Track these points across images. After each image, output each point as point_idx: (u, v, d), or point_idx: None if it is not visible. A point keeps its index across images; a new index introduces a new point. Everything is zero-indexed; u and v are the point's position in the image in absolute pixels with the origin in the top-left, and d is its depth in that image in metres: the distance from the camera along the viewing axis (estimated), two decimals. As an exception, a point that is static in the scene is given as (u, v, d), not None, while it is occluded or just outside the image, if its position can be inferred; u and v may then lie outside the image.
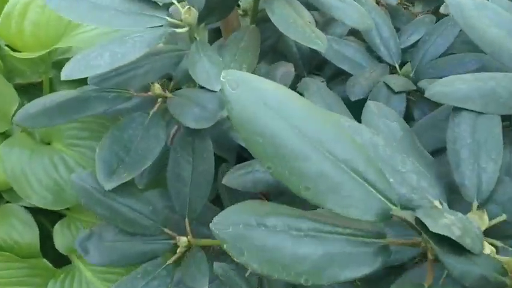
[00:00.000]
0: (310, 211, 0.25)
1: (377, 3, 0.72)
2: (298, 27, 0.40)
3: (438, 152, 0.39)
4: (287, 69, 0.64)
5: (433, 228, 0.20)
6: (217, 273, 0.37)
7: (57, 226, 0.68)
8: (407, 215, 0.22)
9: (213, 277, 0.40)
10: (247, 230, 0.24)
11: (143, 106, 0.45)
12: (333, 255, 0.24)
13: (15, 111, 0.64)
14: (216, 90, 0.40)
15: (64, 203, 0.59)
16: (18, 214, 0.67)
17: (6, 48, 0.67)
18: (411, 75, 0.58)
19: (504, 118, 0.34)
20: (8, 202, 0.68)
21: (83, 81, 0.43)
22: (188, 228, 0.42)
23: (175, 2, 0.44)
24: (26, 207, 0.67)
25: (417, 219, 0.21)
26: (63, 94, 0.43)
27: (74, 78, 0.37)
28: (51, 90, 0.70)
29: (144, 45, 0.39)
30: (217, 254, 0.48)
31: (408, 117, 0.52)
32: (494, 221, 0.28)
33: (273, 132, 0.23)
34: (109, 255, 0.42)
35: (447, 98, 0.32)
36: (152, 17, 0.43)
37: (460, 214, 0.23)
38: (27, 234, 0.67)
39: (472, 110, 0.32)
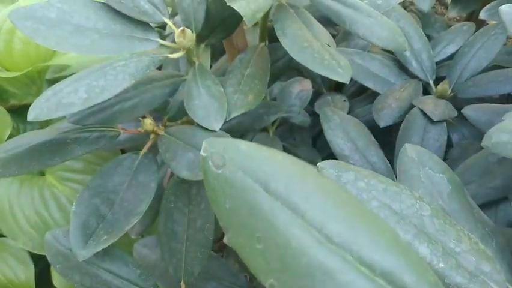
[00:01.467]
0: None
1: (405, 8, 0.65)
2: (314, 53, 0.32)
3: (489, 205, 0.31)
4: (304, 86, 0.57)
5: None
6: None
7: (54, 262, 0.63)
8: None
9: None
10: None
11: (133, 144, 0.38)
12: None
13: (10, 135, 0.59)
14: (215, 130, 0.33)
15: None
16: (13, 250, 0.62)
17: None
18: (448, 93, 0.50)
19: None
20: (2, 236, 0.64)
21: None
22: (185, 293, 0.35)
23: (168, 22, 0.38)
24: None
25: None
26: (39, 135, 0.36)
27: (44, 119, 0.30)
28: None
29: (128, 76, 0.33)
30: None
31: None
32: None
33: (281, 234, 0.16)
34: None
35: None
36: (142, 41, 0.37)
37: None
38: (22, 272, 0.62)
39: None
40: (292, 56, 0.33)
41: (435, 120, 0.40)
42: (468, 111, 0.38)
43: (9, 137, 0.60)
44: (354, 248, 0.16)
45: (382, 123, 0.44)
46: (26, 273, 0.61)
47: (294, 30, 0.34)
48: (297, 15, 0.36)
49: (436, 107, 0.41)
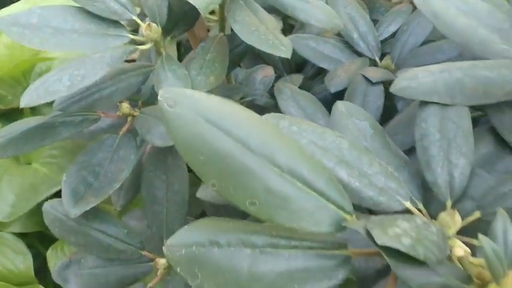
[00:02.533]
0: (267, 224, 0.24)
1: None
2: (261, 35, 0.39)
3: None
4: (267, 72, 0.63)
5: (379, 239, 0.18)
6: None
7: (50, 251, 0.68)
8: (359, 226, 0.20)
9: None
10: (200, 250, 0.22)
11: (113, 127, 0.44)
12: (291, 272, 0.22)
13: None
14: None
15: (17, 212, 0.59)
16: (8, 242, 0.67)
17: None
18: (392, 66, 0.57)
19: (476, 108, 0.32)
20: (-1, 231, 0.69)
21: None
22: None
23: (136, 19, 0.44)
24: (16, 234, 0.67)
25: (368, 230, 0.19)
26: (30, 121, 0.42)
27: (34, 105, 0.36)
28: (34, 113, 0.70)
29: (104, 66, 0.38)
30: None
31: (393, 110, 0.50)
32: (467, 220, 0.26)
33: (215, 148, 0.22)
34: (89, 283, 0.41)
35: (412, 93, 0.31)
36: (114, 37, 0.43)
37: (418, 219, 0.21)
38: (21, 262, 0.67)
39: (438, 103, 0.30)
40: (242, 39, 0.39)
41: (374, 81, 0.46)
42: (400, 73, 0.45)
43: None
44: (270, 156, 0.22)
45: (332, 90, 0.51)
46: (25, 263, 0.67)
47: (243, 17, 0.41)
48: (246, 5, 0.42)
49: (376, 73, 0.48)
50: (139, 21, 0.43)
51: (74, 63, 0.39)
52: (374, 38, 0.59)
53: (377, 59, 0.58)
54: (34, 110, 0.71)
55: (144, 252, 0.41)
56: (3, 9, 0.62)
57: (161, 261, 0.40)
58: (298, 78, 0.59)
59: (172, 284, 0.39)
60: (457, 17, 0.35)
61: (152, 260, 0.41)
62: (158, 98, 0.23)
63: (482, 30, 0.34)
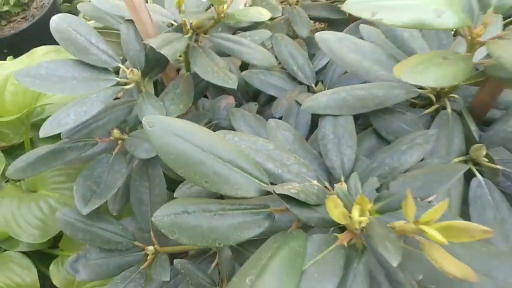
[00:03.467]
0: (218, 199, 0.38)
1: (296, 36, 0.87)
2: (214, 73, 0.53)
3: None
4: (229, 100, 0.78)
5: (277, 190, 0.32)
6: (177, 268, 0.49)
7: (52, 266, 0.79)
8: (270, 188, 0.34)
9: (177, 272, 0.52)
10: (176, 217, 0.36)
11: (108, 149, 0.57)
12: (235, 225, 0.36)
13: (4, 170, 0.76)
14: (159, 128, 0.52)
15: (48, 234, 0.70)
16: (16, 260, 0.78)
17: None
18: (324, 90, 0.72)
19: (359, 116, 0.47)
20: (5, 250, 0.79)
21: (57, 137, 0.56)
22: (153, 239, 0.54)
23: (121, 66, 0.58)
24: (23, 252, 0.78)
25: (274, 190, 0.33)
26: (43, 149, 0.55)
27: (50, 135, 0.49)
28: (32, 148, 0.82)
29: (100, 103, 0.52)
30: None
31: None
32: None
33: (180, 150, 0.35)
34: (94, 271, 0.53)
35: (314, 109, 0.46)
36: (105, 80, 0.56)
37: (308, 183, 0.36)
38: (27, 276, 0.78)
39: (332, 115, 0.45)
40: (201, 76, 0.54)
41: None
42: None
43: (3, 173, 0.77)
44: (215, 153, 0.36)
45: (277, 115, 0.65)
46: (30, 276, 0.77)
47: (201, 61, 0.55)
48: (203, 52, 0.57)
49: (305, 97, 0.63)
50: (124, 68, 0.57)
51: (77, 102, 0.52)
52: (310, 69, 0.74)
53: (313, 85, 0.73)
54: (33, 145, 0.84)
55: (136, 243, 0.53)
56: (9, 63, 0.75)
57: (150, 248, 0.53)
58: (254, 105, 0.74)
59: (157, 263, 0.52)
60: (347, 53, 0.50)
61: (142, 248, 0.54)
62: (143, 122, 0.36)
63: (366, 62, 0.50)
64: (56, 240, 0.82)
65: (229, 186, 0.35)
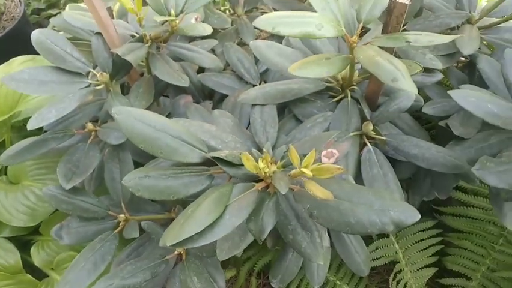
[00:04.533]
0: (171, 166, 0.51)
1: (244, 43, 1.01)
2: (170, 75, 0.66)
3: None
4: (187, 99, 0.90)
5: (212, 155, 0.46)
6: (144, 228, 0.62)
7: (33, 249, 0.89)
8: (209, 155, 0.48)
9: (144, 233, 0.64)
10: (140, 179, 0.48)
11: (83, 139, 0.69)
12: (184, 183, 0.49)
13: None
14: (126, 120, 0.65)
15: (37, 219, 0.80)
16: (1, 245, 0.88)
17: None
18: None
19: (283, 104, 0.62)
20: (-10, 238, 0.89)
21: (35, 134, 0.67)
22: (124, 209, 0.66)
23: (92, 70, 0.70)
24: (7, 238, 0.88)
25: (214, 157, 0.47)
26: (28, 140, 0.66)
27: (36, 127, 0.61)
28: (12, 143, 0.92)
29: (76, 101, 0.64)
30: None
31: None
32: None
33: (140, 130, 0.48)
34: (75, 237, 0.65)
35: (246, 100, 0.60)
36: (79, 83, 0.68)
37: (235, 152, 0.49)
38: (11, 258, 0.88)
39: (260, 104, 0.59)
40: (160, 78, 0.67)
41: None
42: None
43: None
44: (167, 131, 0.49)
45: (227, 110, 0.79)
46: (14, 258, 0.88)
47: (159, 65, 0.68)
48: (161, 57, 0.70)
49: (249, 92, 0.76)
50: (95, 72, 0.69)
51: (57, 101, 0.64)
52: (255, 71, 0.88)
53: (258, 84, 0.87)
54: (11, 143, 0.94)
55: (110, 212, 0.66)
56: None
57: (121, 216, 0.65)
58: (209, 103, 0.87)
59: (127, 230, 0.64)
60: (274, 57, 0.65)
61: (115, 217, 0.66)
62: (112, 112, 0.49)
63: (288, 63, 0.64)
64: (35, 229, 0.92)
65: (178, 155, 0.49)
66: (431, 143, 0.60)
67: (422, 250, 0.89)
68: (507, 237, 0.86)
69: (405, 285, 0.88)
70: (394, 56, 0.66)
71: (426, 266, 0.89)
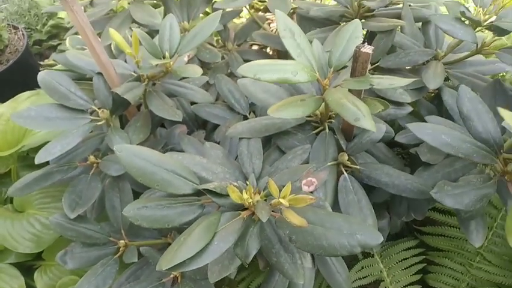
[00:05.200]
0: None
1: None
2: (164, 110, 0.73)
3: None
4: (182, 129, 0.97)
5: (202, 187, 0.52)
6: (143, 253, 0.67)
7: (36, 273, 0.94)
8: (200, 187, 0.54)
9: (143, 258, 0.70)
10: (139, 210, 0.54)
11: (86, 170, 0.75)
12: (178, 213, 0.55)
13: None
14: (125, 153, 0.71)
15: (42, 246, 0.85)
16: (5, 270, 0.93)
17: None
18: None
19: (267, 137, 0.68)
20: (-4, 262, 0.94)
21: (39, 167, 0.73)
22: (124, 235, 0.72)
23: (94, 107, 0.76)
24: (12, 264, 0.93)
25: (204, 189, 0.53)
26: (35, 173, 0.72)
27: (43, 161, 0.67)
28: (18, 176, 0.98)
29: (79, 136, 0.70)
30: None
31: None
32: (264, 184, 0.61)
33: (138, 165, 0.54)
34: (79, 261, 0.70)
35: (234, 134, 0.66)
36: (82, 119, 0.74)
37: (223, 183, 0.55)
38: (15, 283, 0.92)
39: (247, 138, 0.65)
40: (155, 113, 0.73)
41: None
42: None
43: None
44: (162, 166, 0.55)
45: (218, 140, 0.85)
46: (18, 283, 0.92)
47: (155, 102, 0.75)
48: (157, 94, 0.77)
49: (236, 126, 0.83)
50: (96, 109, 0.76)
51: (62, 136, 0.70)
52: (245, 102, 0.94)
53: (247, 115, 0.94)
54: (17, 175, 1.00)
55: (111, 238, 0.71)
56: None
57: (121, 242, 0.71)
58: (202, 132, 0.94)
59: (127, 254, 0.70)
60: (260, 93, 0.72)
61: (116, 243, 0.71)
62: (114, 149, 0.55)
63: (272, 99, 0.71)
64: (38, 254, 0.97)
65: (173, 187, 0.55)
66: (403, 170, 0.66)
67: (405, 268, 0.94)
68: (483, 254, 0.91)
69: (391, 303, 0.93)
70: (370, 91, 0.73)
71: (410, 284, 0.94)
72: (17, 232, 0.85)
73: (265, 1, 1.43)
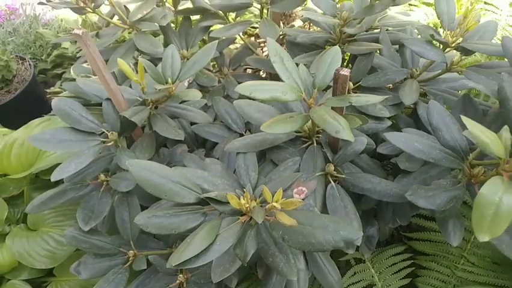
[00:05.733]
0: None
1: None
2: (168, 130, 0.80)
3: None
4: (183, 148, 1.04)
5: (205, 195, 0.59)
6: (151, 261, 0.73)
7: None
8: (203, 196, 0.61)
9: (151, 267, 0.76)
10: (149, 218, 0.61)
11: (96, 188, 0.82)
12: (183, 220, 0.61)
13: (6, 216, 0.98)
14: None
15: (57, 261, 0.91)
16: (20, 287, 0.98)
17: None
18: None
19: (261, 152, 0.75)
20: (9, 280, 0.99)
21: (50, 187, 0.80)
22: (133, 246, 0.78)
23: (104, 130, 0.84)
24: (25, 280, 0.98)
25: (207, 197, 0.60)
26: (50, 191, 0.79)
27: (59, 179, 0.74)
28: (30, 198, 1.04)
29: (90, 156, 0.77)
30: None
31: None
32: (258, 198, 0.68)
33: (148, 178, 0.61)
34: (91, 271, 0.76)
35: (231, 149, 0.73)
36: (92, 141, 0.82)
37: (223, 192, 0.62)
38: (28, 298, 0.98)
39: (243, 152, 0.73)
40: (159, 133, 0.81)
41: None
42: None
43: (6, 219, 0.99)
44: (169, 178, 0.62)
45: (217, 156, 0.93)
46: (32, 299, 0.97)
47: (159, 123, 0.82)
48: (160, 117, 0.85)
49: (234, 143, 0.90)
50: (105, 131, 0.83)
51: (75, 157, 0.77)
52: (241, 121, 1.02)
53: (244, 133, 1.02)
54: (29, 197, 1.06)
55: (121, 249, 0.77)
56: (11, 133, 0.99)
57: (131, 252, 0.77)
58: (202, 151, 1.01)
59: (136, 263, 0.76)
60: (254, 112, 0.79)
61: (125, 253, 0.77)
62: (126, 164, 0.62)
63: (266, 118, 0.79)
64: (49, 272, 1.03)
65: (179, 197, 0.62)
66: (386, 178, 0.73)
67: (395, 273, 1.00)
68: (467, 257, 0.98)
69: (383, 306, 0.98)
70: (353, 108, 0.81)
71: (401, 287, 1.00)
72: (33, 249, 0.91)
73: (257, 27, 1.53)
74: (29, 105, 1.46)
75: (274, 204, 0.54)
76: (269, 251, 0.61)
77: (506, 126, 0.55)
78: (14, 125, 1.21)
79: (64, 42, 1.66)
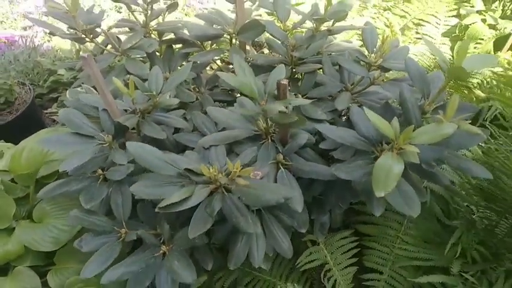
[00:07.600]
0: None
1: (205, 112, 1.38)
2: (153, 131, 1.01)
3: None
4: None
5: (183, 167, 0.79)
6: (139, 234, 0.92)
7: (49, 274, 1.16)
8: (182, 168, 0.81)
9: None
10: (142, 188, 0.80)
11: (95, 180, 1.01)
12: (166, 189, 0.81)
13: (14, 213, 1.16)
14: (123, 164, 0.98)
15: (59, 245, 1.09)
16: (24, 272, 1.14)
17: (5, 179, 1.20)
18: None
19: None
20: (15, 266, 1.15)
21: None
22: (124, 225, 0.96)
23: (102, 134, 1.04)
24: (29, 267, 1.14)
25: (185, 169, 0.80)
26: (58, 181, 0.98)
27: (66, 170, 0.92)
28: (33, 199, 1.22)
29: (90, 154, 0.97)
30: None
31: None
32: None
33: (142, 155, 0.81)
34: (91, 246, 0.94)
35: (203, 144, 0.94)
36: (92, 143, 1.01)
37: (198, 165, 0.82)
38: (33, 282, 1.13)
39: (215, 145, 0.94)
40: (147, 134, 1.01)
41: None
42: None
43: (13, 216, 1.16)
44: (158, 157, 0.82)
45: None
46: (35, 282, 1.14)
47: (147, 127, 1.03)
48: (147, 123, 1.05)
49: (205, 138, 1.11)
50: (102, 135, 1.03)
51: (78, 154, 0.96)
52: (214, 130, 1.23)
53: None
54: (33, 199, 1.23)
55: (115, 227, 0.96)
56: (22, 142, 1.18)
57: (122, 230, 0.95)
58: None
59: (128, 236, 0.94)
60: (226, 119, 1.01)
61: (118, 231, 0.96)
62: (126, 145, 0.82)
63: (230, 121, 1.00)
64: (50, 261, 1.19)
65: (163, 170, 0.82)
66: (322, 165, 0.95)
67: (344, 253, 1.20)
68: (402, 237, 1.19)
69: (335, 282, 1.17)
70: (299, 112, 1.04)
71: (350, 265, 1.19)
72: (39, 237, 1.08)
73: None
74: (29, 123, 1.65)
75: (235, 170, 0.75)
76: (233, 214, 0.81)
77: (395, 117, 0.78)
78: (16, 142, 1.39)
79: (60, 70, 1.87)
